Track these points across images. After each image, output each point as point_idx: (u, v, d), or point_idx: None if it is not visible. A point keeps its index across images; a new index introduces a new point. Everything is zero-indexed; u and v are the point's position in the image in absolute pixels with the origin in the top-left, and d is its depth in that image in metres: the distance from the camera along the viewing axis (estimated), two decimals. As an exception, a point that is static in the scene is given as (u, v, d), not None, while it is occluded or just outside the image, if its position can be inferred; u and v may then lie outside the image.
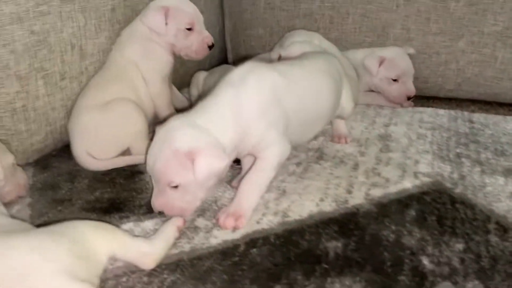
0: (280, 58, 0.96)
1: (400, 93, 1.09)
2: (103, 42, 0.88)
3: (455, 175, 0.78)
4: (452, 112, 1.11)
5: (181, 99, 1.06)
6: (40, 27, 0.73)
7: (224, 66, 1.13)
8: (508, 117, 1.08)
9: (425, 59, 1.17)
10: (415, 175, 0.78)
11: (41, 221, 0.63)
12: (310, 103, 0.73)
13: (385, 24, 1.18)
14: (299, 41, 0.99)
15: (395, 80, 1.08)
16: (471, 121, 1.05)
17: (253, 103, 0.64)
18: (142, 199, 0.70)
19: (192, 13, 0.88)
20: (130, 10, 0.94)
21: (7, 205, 0.63)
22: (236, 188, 0.69)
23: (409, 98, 1.11)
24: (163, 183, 0.60)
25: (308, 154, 0.87)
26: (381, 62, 1.09)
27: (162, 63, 0.90)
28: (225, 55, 1.41)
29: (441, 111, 1.12)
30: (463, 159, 0.84)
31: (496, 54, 1.11)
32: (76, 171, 0.78)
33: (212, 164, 0.59)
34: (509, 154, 0.87)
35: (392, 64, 1.09)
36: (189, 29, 0.88)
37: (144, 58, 0.88)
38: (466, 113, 1.11)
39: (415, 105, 1.15)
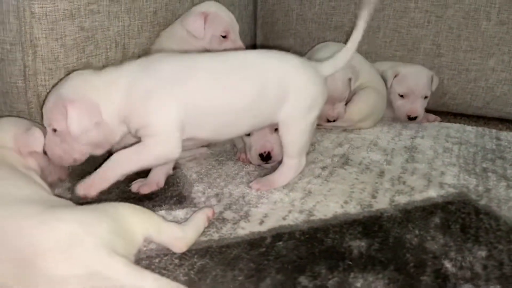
0: None
1: (403, 110, 1.09)
2: (143, 42, 0.92)
3: (481, 188, 0.78)
4: (480, 129, 1.11)
5: None
6: (89, 24, 0.78)
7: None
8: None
9: (454, 75, 1.18)
10: (441, 185, 0.79)
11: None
12: (220, 101, 0.68)
13: (415, 39, 1.19)
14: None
15: (401, 96, 1.09)
16: (498, 139, 1.05)
17: (144, 88, 0.65)
18: (174, 190, 0.73)
19: (229, 22, 0.92)
20: (170, 13, 0.98)
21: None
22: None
23: (409, 118, 1.10)
24: (47, 125, 0.65)
25: (334, 159, 0.89)
26: (395, 76, 1.10)
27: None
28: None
29: (468, 127, 1.12)
30: (489, 174, 0.85)
31: (527, 74, 1.10)
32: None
33: (81, 118, 0.62)
34: (537, 171, 0.87)
35: (403, 80, 1.09)
36: (224, 37, 0.91)
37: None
38: (494, 130, 1.11)
39: (442, 120, 1.16)
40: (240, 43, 0.94)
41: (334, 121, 1.02)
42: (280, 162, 0.77)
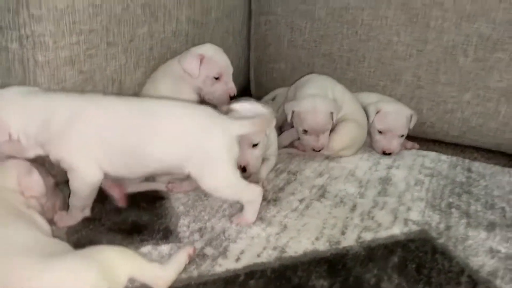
0: (293, 113, 1.06)
1: (379, 145, 1.16)
2: (139, 76, 0.99)
3: (442, 225, 0.85)
4: (454, 158, 1.17)
5: None
6: (88, 67, 0.84)
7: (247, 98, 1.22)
8: (506, 169, 1.14)
9: (433, 106, 1.24)
10: (405, 222, 0.85)
11: (75, 238, 0.74)
12: (135, 143, 0.72)
13: (397, 71, 1.25)
14: (312, 94, 1.08)
15: (380, 132, 1.15)
16: (469, 170, 1.12)
17: (61, 126, 0.70)
18: (161, 223, 0.80)
19: (223, 66, 0.98)
20: (165, 48, 1.05)
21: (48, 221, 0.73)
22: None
23: (384, 153, 1.15)
24: None
25: (312, 191, 0.95)
26: (377, 112, 1.16)
27: (189, 100, 1.00)
28: (248, 84, 1.51)
29: (443, 157, 1.18)
30: (453, 210, 0.91)
31: (500, 109, 1.17)
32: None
33: None
34: (498, 208, 0.94)
35: (383, 118, 1.15)
36: (216, 78, 0.98)
37: (173, 94, 0.98)
38: (467, 161, 1.17)
39: (421, 147, 1.23)
40: (231, 85, 1.00)
41: (319, 150, 1.09)
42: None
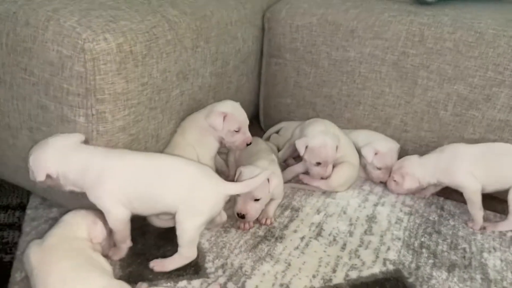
0: (307, 148, 1.24)
1: (378, 178, 1.36)
2: (171, 127, 1.17)
3: (413, 265, 1.06)
4: (431, 197, 1.37)
5: (219, 161, 1.35)
6: (135, 130, 1.03)
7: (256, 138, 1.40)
8: (473, 207, 1.33)
9: (417, 148, 1.43)
10: (384, 261, 1.06)
11: (127, 272, 0.94)
12: (151, 190, 0.90)
13: (388, 116, 1.43)
14: (321, 131, 1.26)
15: (379, 168, 1.35)
16: (442, 209, 1.32)
17: (95, 175, 0.89)
18: (192, 260, 1.00)
19: (242, 120, 1.16)
20: (192, 100, 1.22)
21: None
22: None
23: (382, 182, 1.36)
24: None
25: (311, 228, 1.16)
26: (376, 153, 1.35)
27: (212, 148, 1.19)
28: (258, 114, 1.69)
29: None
30: (424, 250, 1.12)
31: (471, 156, 1.35)
32: (146, 226, 1.09)
33: (33, 169, 0.89)
34: (460, 249, 1.14)
35: (382, 158, 1.34)
36: (236, 131, 1.16)
37: (199, 143, 1.17)
38: (441, 199, 1.36)
39: (404, 183, 1.42)
40: (248, 135, 1.18)
41: (327, 178, 1.28)
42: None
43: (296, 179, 1.37)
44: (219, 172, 1.30)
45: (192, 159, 1.05)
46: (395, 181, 1.29)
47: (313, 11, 1.42)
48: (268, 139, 1.56)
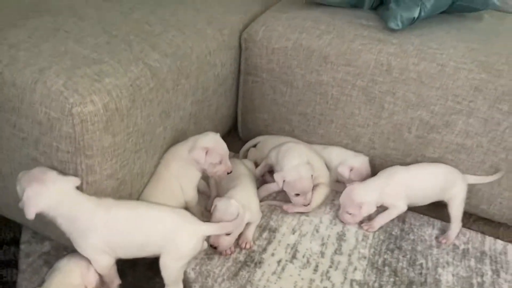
0: (284, 182, 1.32)
1: None
2: (155, 161, 1.22)
3: (376, 285, 1.18)
4: (394, 209, 1.48)
5: (201, 183, 1.42)
6: (121, 174, 1.08)
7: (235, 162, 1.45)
8: (432, 220, 1.45)
9: (383, 162, 1.52)
10: (351, 283, 1.17)
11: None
12: (134, 237, 0.99)
13: (358, 134, 1.52)
14: (296, 165, 1.34)
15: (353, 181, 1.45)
16: (404, 221, 1.43)
17: (82, 224, 0.95)
18: (180, 290, 1.09)
19: (223, 153, 1.21)
20: (174, 131, 1.27)
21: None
22: None
23: None
24: None
25: (287, 250, 1.25)
26: (351, 169, 1.45)
27: (195, 178, 1.25)
28: (237, 127, 1.74)
29: (385, 206, 1.49)
30: (386, 268, 1.24)
31: (431, 174, 1.46)
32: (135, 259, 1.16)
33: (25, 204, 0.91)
34: (418, 264, 1.27)
35: (357, 172, 1.44)
36: (218, 163, 1.22)
37: (182, 174, 1.23)
38: (403, 213, 1.48)
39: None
40: (229, 164, 1.24)
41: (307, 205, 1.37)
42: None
43: (273, 196, 1.46)
44: (201, 193, 1.37)
45: (171, 206, 1.12)
46: (350, 214, 1.35)
47: (288, 35, 1.46)
48: (247, 151, 1.63)
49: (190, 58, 1.22)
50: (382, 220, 1.35)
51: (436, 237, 1.37)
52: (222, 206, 1.15)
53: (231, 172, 1.27)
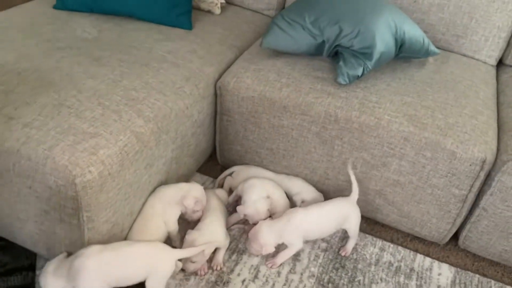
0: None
1: None
2: (142, 201, 1.48)
3: (320, 300, 1.46)
4: (345, 230, 1.76)
5: None
6: (115, 218, 1.34)
7: (210, 194, 1.73)
8: (375, 239, 1.73)
9: (336, 191, 1.79)
10: (300, 298, 1.46)
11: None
12: (121, 275, 1.24)
13: (314, 167, 1.78)
14: (254, 200, 1.60)
15: None
16: (351, 242, 1.71)
17: (72, 273, 1.20)
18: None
19: (203, 203, 1.48)
20: (158, 175, 1.53)
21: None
22: None
23: None
24: None
25: (250, 271, 1.53)
26: (303, 201, 1.71)
27: (176, 215, 1.51)
28: (215, 155, 2.00)
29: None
30: (330, 285, 1.51)
31: (376, 200, 1.74)
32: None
33: None
34: (356, 281, 1.55)
35: (307, 204, 1.71)
36: (197, 210, 1.49)
37: (166, 213, 1.48)
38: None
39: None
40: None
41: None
42: None
43: (242, 221, 1.73)
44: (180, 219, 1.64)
45: (147, 240, 1.39)
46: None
47: (255, 87, 1.70)
48: (224, 178, 1.89)
49: (169, 117, 1.47)
50: (282, 257, 1.51)
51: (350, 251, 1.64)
52: (189, 239, 1.43)
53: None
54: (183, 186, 1.52)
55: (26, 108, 1.27)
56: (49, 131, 1.22)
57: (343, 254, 1.61)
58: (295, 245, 1.53)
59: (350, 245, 1.64)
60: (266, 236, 1.50)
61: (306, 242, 1.62)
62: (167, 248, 1.33)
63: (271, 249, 1.51)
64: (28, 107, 1.28)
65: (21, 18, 1.78)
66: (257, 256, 1.57)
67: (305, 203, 1.70)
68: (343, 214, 1.55)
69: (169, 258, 1.30)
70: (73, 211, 1.21)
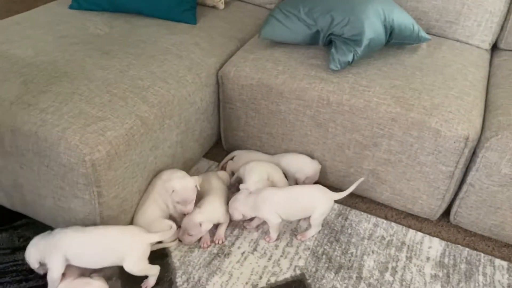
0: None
1: None
2: (149, 181, 1.59)
3: (313, 269, 1.54)
4: (341, 208, 1.83)
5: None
6: (123, 194, 1.45)
7: (211, 176, 1.83)
8: (370, 216, 1.79)
9: (332, 172, 1.86)
10: (295, 268, 1.54)
11: (127, 288, 1.42)
12: (96, 254, 1.30)
13: (312, 150, 1.85)
14: (255, 180, 1.69)
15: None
16: (346, 219, 1.77)
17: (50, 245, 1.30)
18: (168, 276, 1.47)
19: (185, 198, 1.45)
20: (164, 157, 1.64)
21: None
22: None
23: None
24: None
25: (250, 244, 1.62)
26: (306, 178, 1.79)
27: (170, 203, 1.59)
28: (220, 140, 2.09)
29: (336, 206, 1.84)
30: (324, 256, 1.60)
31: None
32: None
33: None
34: (349, 253, 1.62)
35: (312, 179, 1.79)
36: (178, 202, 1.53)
37: (161, 199, 1.57)
38: (348, 209, 1.82)
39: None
40: (188, 209, 1.51)
41: None
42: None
43: (244, 200, 1.81)
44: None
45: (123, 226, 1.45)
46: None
47: (253, 75, 1.79)
48: (226, 162, 1.99)
49: (172, 103, 1.58)
50: (272, 232, 1.60)
51: (370, 233, 1.70)
52: (185, 220, 1.52)
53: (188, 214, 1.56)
54: (174, 173, 1.52)
55: (42, 95, 1.40)
56: (63, 115, 1.34)
57: (299, 238, 1.61)
58: (270, 220, 1.54)
59: (309, 233, 1.61)
60: (236, 204, 1.59)
61: (290, 222, 1.71)
62: (140, 232, 1.34)
63: (238, 216, 1.59)
64: (44, 95, 1.40)
65: (40, 18, 1.91)
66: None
67: (309, 179, 1.78)
68: (312, 202, 1.55)
69: (141, 242, 1.32)
70: (84, 186, 1.33)
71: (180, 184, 1.51)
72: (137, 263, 1.31)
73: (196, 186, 1.51)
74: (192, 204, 1.53)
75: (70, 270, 1.32)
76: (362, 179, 1.67)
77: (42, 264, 1.30)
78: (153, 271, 1.41)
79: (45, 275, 1.32)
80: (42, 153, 1.32)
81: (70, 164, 1.29)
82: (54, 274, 1.27)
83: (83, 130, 1.30)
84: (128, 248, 1.31)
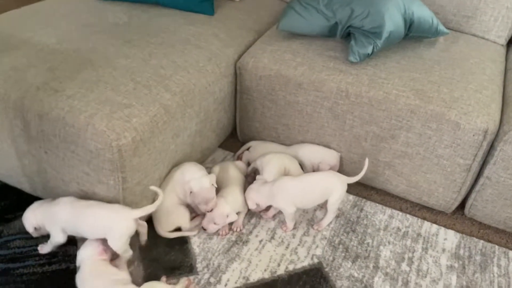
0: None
1: None
2: (170, 168, 1.63)
3: (330, 258, 1.57)
4: (357, 199, 1.85)
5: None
6: (146, 181, 1.48)
7: (229, 165, 1.85)
8: (385, 208, 1.82)
9: (347, 163, 1.89)
10: (312, 257, 1.57)
11: (146, 274, 1.45)
12: (83, 225, 1.35)
13: (328, 141, 1.87)
14: (275, 173, 1.72)
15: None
16: (361, 210, 1.81)
17: (49, 216, 1.39)
18: (188, 262, 1.50)
19: (205, 198, 1.46)
20: (184, 146, 1.66)
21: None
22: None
23: None
24: None
25: (267, 233, 1.66)
26: (330, 168, 1.82)
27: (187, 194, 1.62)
28: (236, 132, 2.12)
29: (351, 197, 1.87)
30: (340, 246, 1.63)
31: (385, 171, 1.83)
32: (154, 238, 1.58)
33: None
34: (365, 243, 1.65)
35: (326, 164, 1.82)
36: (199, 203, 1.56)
37: (171, 193, 1.58)
38: (363, 200, 1.85)
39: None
40: (209, 208, 1.53)
41: None
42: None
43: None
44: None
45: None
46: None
47: (271, 66, 1.81)
48: (242, 153, 2.01)
49: (193, 92, 1.60)
50: (288, 222, 1.64)
51: (385, 226, 1.73)
52: (215, 211, 1.55)
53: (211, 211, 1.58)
54: (194, 169, 1.55)
55: (69, 82, 1.42)
56: (89, 102, 1.36)
57: (315, 228, 1.63)
58: (285, 209, 1.57)
59: (326, 220, 1.63)
60: (251, 193, 1.62)
61: (303, 211, 1.74)
62: (125, 209, 1.34)
63: (252, 205, 1.62)
64: (71, 81, 1.43)
65: (63, 7, 1.94)
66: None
67: (333, 168, 1.81)
68: (328, 188, 1.57)
69: (126, 218, 1.32)
70: (110, 172, 1.36)
71: (197, 186, 1.47)
72: (120, 239, 1.33)
73: (212, 185, 1.52)
74: (213, 202, 1.51)
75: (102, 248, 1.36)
76: (367, 159, 1.68)
77: (37, 229, 1.42)
78: (129, 252, 1.38)
79: (65, 256, 1.40)
80: (68, 139, 1.35)
81: (96, 149, 1.32)
82: (56, 239, 1.41)
83: (110, 117, 1.33)
84: (112, 224, 1.32)
